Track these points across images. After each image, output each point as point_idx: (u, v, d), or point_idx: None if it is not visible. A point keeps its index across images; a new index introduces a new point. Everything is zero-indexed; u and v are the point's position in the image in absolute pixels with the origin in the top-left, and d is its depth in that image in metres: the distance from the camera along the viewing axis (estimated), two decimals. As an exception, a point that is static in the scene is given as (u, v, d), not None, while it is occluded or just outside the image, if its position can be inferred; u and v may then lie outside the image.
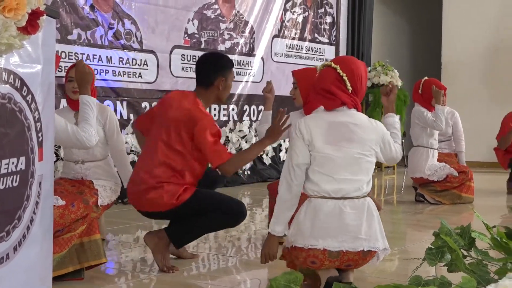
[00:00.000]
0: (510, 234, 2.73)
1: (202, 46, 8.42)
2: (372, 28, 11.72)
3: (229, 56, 4.64)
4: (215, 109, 8.60)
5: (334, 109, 3.46)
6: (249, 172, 8.99)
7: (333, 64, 3.47)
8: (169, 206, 4.12)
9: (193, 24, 8.39)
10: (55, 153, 5.87)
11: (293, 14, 10.02)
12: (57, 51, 6.47)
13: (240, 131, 8.90)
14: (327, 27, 10.69)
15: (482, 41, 11.62)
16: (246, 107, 9.14)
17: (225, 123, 8.71)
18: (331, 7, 10.78)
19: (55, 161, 4.44)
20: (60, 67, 6.57)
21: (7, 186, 2.42)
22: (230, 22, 8.91)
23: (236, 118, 8.95)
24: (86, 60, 6.94)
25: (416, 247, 5.02)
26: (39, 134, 2.65)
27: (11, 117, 2.44)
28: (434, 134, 7.23)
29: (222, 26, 8.80)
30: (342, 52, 10.92)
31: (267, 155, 9.32)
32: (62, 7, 6.85)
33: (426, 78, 7.32)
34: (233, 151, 8.37)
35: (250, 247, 5.08)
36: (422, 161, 7.17)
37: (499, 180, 8.43)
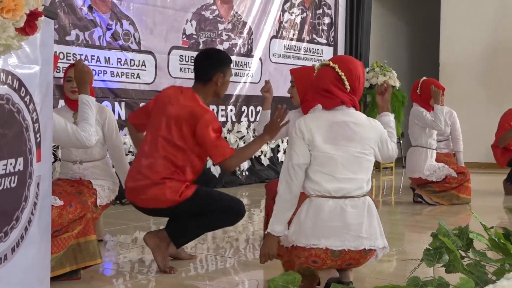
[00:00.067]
0: (508, 235, 2.73)
1: (200, 47, 8.42)
2: (370, 29, 11.73)
3: (231, 58, 4.64)
4: (213, 109, 8.59)
5: (333, 108, 3.46)
6: (247, 173, 8.99)
7: (331, 63, 3.48)
8: (171, 202, 4.11)
9: (191, 25, 8.39)
10: (53, 153, 5.86)
11: (291, 15, 10.02)
12: (55, 52, 6.47)
13: (238, 131, 8.90)
14: (325, 28, 10.70)
15: (480, 42, 11.63)
16: (244, 108, 9.14)
17: (223, 124, 8.71)
18: (329, 8, 10.78)
19: (53, 162, 4.43)
20: (58, 68, 6.57)
21: (5, 187, 2.42)
22: (228, 23, 8.92)
23: (234, 119, 8.96)
24: (84, 61, 6.93)
25: (414, 248, 5.03)
26: (37, 135, 2.65)
27: (9, 118, 2.43)
28: (433, 134, 7.24)
29: (220, 27, 8.81)
30: (340, 53, 10.92)
31: (265, 156, 9.32)
32: (60, 8, 6.84)
33: (424, 78, 7.32)
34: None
35: (248, 248, 5.08)
36: (421, 161, 7.17)
37: (497, 181, 8.43)
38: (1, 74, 2.39)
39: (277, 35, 9.77)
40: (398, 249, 4.92)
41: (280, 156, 9.55)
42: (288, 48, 9.99)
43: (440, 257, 2.63)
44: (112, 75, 7.42)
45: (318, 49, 10.54)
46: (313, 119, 3.46)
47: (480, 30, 11.60)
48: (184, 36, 8.28)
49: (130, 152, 7.08)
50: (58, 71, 6.51)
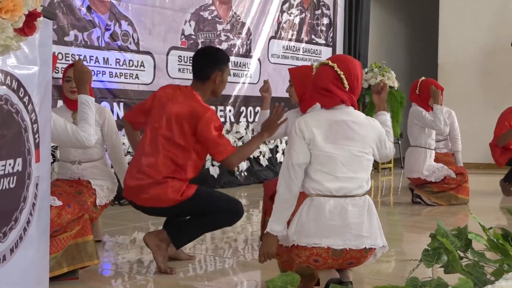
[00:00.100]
0: (507, 236, 2.74)
1: (199, 47, 8.41)
2: (369, 30, 11.73)
3: (229, 57, 4.64)
4: (212, 110, 8.60)
5: (333, 107, 3.47)
6: (246, 173, 8.99)
7: (330, 63, 3.49)
8: (173, 202, 4.11)
9: (190, 25, 8.39)
10: (52, 154, 5.86)
11: (290, 16, 10.02)
12: (54, 52, 6.46)
13: (237, 132, 8.90)
14: (324, 28, 10.70)
15: (478, 42, 11.64)
16: (243, 108, 9.14)
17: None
18: (328, 9, 10.79)
19: (51, 162, 4.43)
20: (57, 68, 6.57)
21: (3, 188, 2.42)
22: (227, 24, 8.92)
23: (233, 120, 8.96)
24: (83, 61, 6.93)
25: (412, 249, 5.03)
26: (36, 136, 2.65)
27: (8, 118, 2.43)
28: (432, 134, 7.25)
29: (219, 27, 8.81)
30: (339, 53, 10.92)
31: (264, 156, 9.32)
32: (59, 9, 6.84)
33: (423, 78, 7.33)
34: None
35: (246, 249, 5.08)
36: (420, 162, 7.17)
37: (496, 182, 8.43)
38: (0, 74, 2.39)
39: (275, 35, 9.77)
40: (397, 250, 4.92)
41: (279, 156, 9.55)
42: (287, 49, 10.00)
43: (439, 258, 2.63)
44: (111, 75, 7.42)
45: (316, 50, 10.54)
46: (313, 118, 3.47)
47: (479, 30, 11.61)
48: (182, 36, 8.28)
49: (128, 152, 7.08)
50: (56, 71, 6.51)
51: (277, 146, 9.57)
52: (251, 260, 4.68)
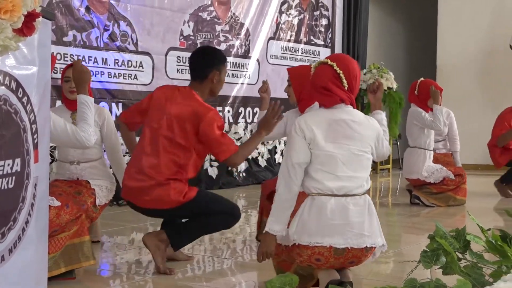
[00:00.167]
0: (505, 237, 2.74)
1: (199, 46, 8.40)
2: (368, 31, 11.73)
3: (226, 56, 4.65)
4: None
5: (332, 106, 3.47)
6: (244, 174, 8.99)
7: (329, 62, 3.49)
8: (175, 203, 4.11)
9: (189, 26, 8.39)
10: (50, 154, 5.86)
11: (288, 17, 10.02)
12: (53, 53, 6.46)
13: (235, 133, 8.89)
14: (322, 29, 10.70)
15: (477, 43, 11.64)
16: (241, 109, 9.14)
17: (220, 125, 8.70)
18: (327, 10, 10.79)
19: (50, 163, 4.43)
20: (55, 68, 6.56)
21: (2, 188, 2.42)
22: (225, 24, 8.92)
23: (231, 120, 8.95)
24: (81, 62, 6.93)
25: (411, 250, 5.03)
26: (35, 136, 2.65)
27: (7, 118, 2.43)
28: (431, 135, 7.25)
29: (218, 28, 8.80)
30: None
31: (262, 157, 9.32)
32: (58, 9, 6.84)
33: (422, 79, 7.33)
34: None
35: (245, 249, 5.08)
36: (419, 163, 7.17)
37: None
38: (-1, 75, 2.39)
39: (274, 36, 9.77)
40: (395, 251, 4.92)
41: (277, 157, 9.55)
42: (286, 50, 10.00)
43: (437, 259, 2.63)
44: (110, 76, 7.41)
45: (315, 51, 10.54)
46: (313, 117, 3.47)
47: (477, 31, 11.62)
48: (181, 37, 8.28)
49: (127, 153, 7.08)
50: (55, 71, 6.50)
51: (275, 147, 9.57)
52: (250, 261, 4.69)
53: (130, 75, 7.63)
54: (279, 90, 8.51)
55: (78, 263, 3.92)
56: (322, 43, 10.70)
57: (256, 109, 9.03)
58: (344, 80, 3.46)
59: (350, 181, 3.39)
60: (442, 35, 11.96)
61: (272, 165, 9.42)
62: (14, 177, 2.49)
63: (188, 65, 4.46)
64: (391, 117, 10.58)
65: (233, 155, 4.11)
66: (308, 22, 10.41)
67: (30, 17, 2.28)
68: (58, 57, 6.80)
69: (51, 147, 5.45)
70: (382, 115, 3.86)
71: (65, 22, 6.93)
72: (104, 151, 5.11)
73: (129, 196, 4.24)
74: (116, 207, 6.74)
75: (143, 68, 7.79)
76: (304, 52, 10.33)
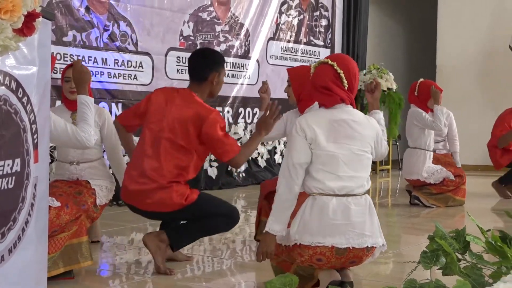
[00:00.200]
0: (505, 238, 2.74)
1: (198, 48, 8.40)
2: (367, 31, 11.73)
3: (225, 58, 4.65)
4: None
5: (333, 106, 3.47)
6: (244, 175, 8.99)
7: (330, 61, 3.49)
8: (177, 206, 4.10)
9: (189, 26, 8.39)
10: (50, 154, 5.85)
11: (288, 17, 10.02)
12: (52, 53, 6.46)
13: (235, 133, 8.89)
14: (322, 30, 10.70)
15: (476, 44, 11.65)
16: (241, 109, 9.14)
17: (220, 126, 8.69)
18: (326, 10, 10.79)
19: (49, 163, 4.43)
20: (55, 69, 6.56)
21: (2, 188, 2.42)
22: (225, 25, 8.91)
23: (231, 121, 8.95)
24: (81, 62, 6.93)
25: (411, 250, 5.03)
26: (35, 136, 2.65)
27: (7, 119, 2.43)
28: (431, 135, 7.25)
29: (218, 28, 8.80)
30: (337, 55, 10.90)
31: (262, 157, 9.32)
32: (58, 9, 6.84)
33: (422, 80, 7.34)
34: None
35: (244, 250, 5.08)
36: (419, 163, 7.16)
37: (493, 184, 8.43)
38: (-1, 75, 2.39)
39: (274, 37, 9.77)
40: (395, 252, 4.92)
41: (277, 158, 9.55)
42: (285, 50, 10.00)
43: (437, 260, 2.63)
44: (109, 76, 7.41)
45: (315, 51, 10.54)
46: (314, 117, 3.47)
47: (477, 32, 11.62)
48: (181, 37, 8.28)
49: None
50: (55, 71, 6.50)
51: (275, 147, 9.57)
52: (249, 261, 4.69)
53: (130, 75, 7.63)
54: (278, 90, 8.52)
55: (76, 263, 3.93)
56: (322, 43, 10.70)
57: (256, 109, 9.03)
58: (344, 80, 3.46)
59: (351, 181, 3.39)
60: (442, 36, 11.97)
61: (272, 166, 9.42)
62: (14, 177, 2.49)
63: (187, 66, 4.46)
64: (390, 117, 10.58)
65: (237, 156, 4.11)
66: (308, 22, 10.41)
67: (30, 17, 2.28)
68: (58, 57, 6.80)
69: (50, 147, 5.45)
70: (380, 115, 3.87)
71: (65, 22, 6.93)
72: (104, 151, 5.10)
73: (130, 200, 4.22)
74: (116, 207, 6.74)
75: (143, 68, 7.79)
76: (304, 53, 10.33)
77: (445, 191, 7.19)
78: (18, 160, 2.51)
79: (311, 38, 10.49)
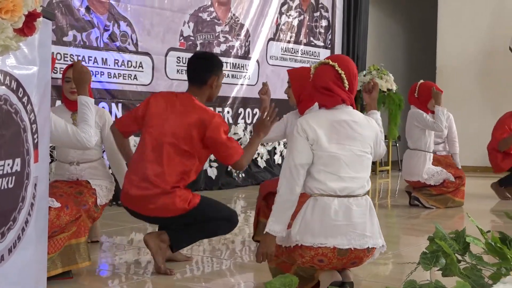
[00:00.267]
0: (504, 239, 2.74)
1: (198, 48, 8.41)
2: (367, 32, 11.73)
3: (225, 59, 4.66)
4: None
5: (334, 106, 3.48)
6: (243, 175, 8.99)
7: (331, 62, 3.50)
8: (180, 211, 4.10)
9: (189, 26, 8.39)
10: (50, 154, 5.85)
11: (288, 18, 10.02)
12: (53, 53, 6.46)
13: (235, 133, 8.89)
14: (322, 30, 10.70)
15: (476, 45, 11.64)
16: (241, 110, 9.14)
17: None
18: (327, 11, 10.79)
19: (49, 163, 4.43)
20: (55, 69, 6.56)
21: (2, 188, 2.42)
22: (225, 25, 8.91)
23: (231, 121, 8.95)
24: (81, 62, 6.92)
25: (410, 251, 5.03)
26: (35, 136, 2.65)
27: (7, 118, 2.43)
28: (431, 136, 7.25)
29: (218, 29, 8.80)
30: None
31: (261, 158, 9.32)
32: (58, 9, 6.84)
33: (422, 81, 7.34)
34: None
35: (244, 250, 5.08)
36: (419, 165, 7.16)
37: (493, 185, 8.42)
38: (-1, 74, 2.39)
39: (274, 37, 9.77)
40: (394, 252, 4.92)
41: (277, 158, 9.55)
42: (285, 51, 10.00)
43: (437, 261, 2.63)
44: (109, 76, 7.41)
45: (315, 52, 10.54)
46: (315, 118, 3.48)
47: (477, 33, 11.62)
48: (181, 37, 8.28)
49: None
50: (55, 71, 6.50)
51: (274, 148, 9.57)
52: (248, 262, 4.69)
53: (130, 76, 7.63)
54: (278, 91, 8.52)
55: (75, 263, 3.94)
56: (322, 44, 10.70)
57: (256, 110, 9.04)
58: (345, 81, 3.47)
59: (352, 182, 3.40)
60: (442, 36, 11.97)
61: (271, 166, 9.42)
62: (14, 177, 2.49)
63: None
64: (390, 118, 10.59)
65: (240, 159, 4.13)
66: (308, 23, 10.42)
67: (31, 17, 2.29)
68: (58, 57, 6.80)
69: (50, 147, 5.45)
70: (378, 115, 3.87)
71: (65, 22, 6.93)
72: (104, 152, 5.10)
73: (131, 205, 4.20)
74: (115, 207, 6.74)
75: (143, 68, 7.79)
76: (304, 53, 10.33)
77: (444, 192, 7.20)
78: (18, 160, 2.51)
79: (311, 38, 10.49)
